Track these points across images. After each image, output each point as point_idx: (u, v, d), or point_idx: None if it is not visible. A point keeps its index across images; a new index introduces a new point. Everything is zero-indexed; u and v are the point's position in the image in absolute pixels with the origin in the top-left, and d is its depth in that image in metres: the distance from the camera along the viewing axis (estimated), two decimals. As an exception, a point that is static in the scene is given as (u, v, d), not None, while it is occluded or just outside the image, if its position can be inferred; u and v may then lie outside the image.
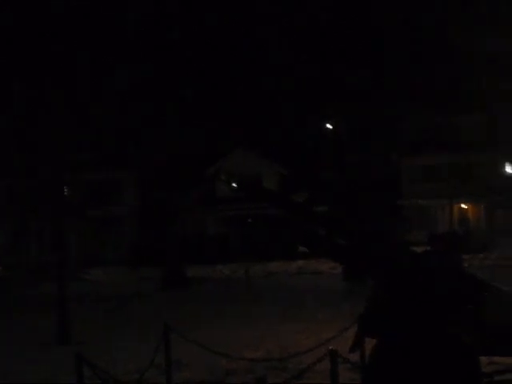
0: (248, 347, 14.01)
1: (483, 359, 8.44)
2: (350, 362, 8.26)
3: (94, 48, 23.70)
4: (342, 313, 17.60)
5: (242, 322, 18.19)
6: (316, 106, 47.49)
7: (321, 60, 43.42)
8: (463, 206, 53.94)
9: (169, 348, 11.03)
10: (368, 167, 49.52)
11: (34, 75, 22.04)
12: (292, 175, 52.15)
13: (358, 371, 8.61)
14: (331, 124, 50.36)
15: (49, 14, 20.23)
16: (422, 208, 52.44)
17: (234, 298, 24.95)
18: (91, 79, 23.28)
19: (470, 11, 37.01)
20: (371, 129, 49.14)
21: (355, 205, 43.61)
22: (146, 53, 29.86)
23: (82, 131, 29.92)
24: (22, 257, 49.55)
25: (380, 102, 46.70)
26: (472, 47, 37.36)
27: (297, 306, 21.40)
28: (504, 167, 51.72)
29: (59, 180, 20.38)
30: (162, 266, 32.59)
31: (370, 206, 43.95)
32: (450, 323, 7.92)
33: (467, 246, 36.03)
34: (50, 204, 20.53)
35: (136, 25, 28.39)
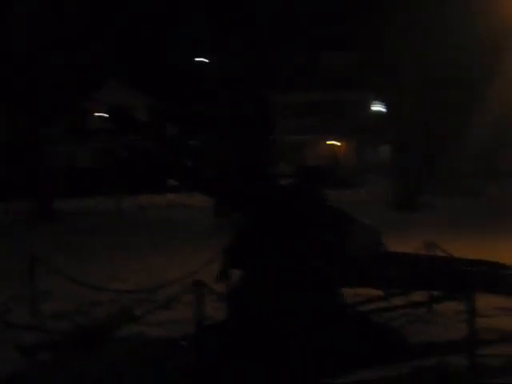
0: (116, 279, 14.02)
1: (347, 291, 8.73)
2: (216, 293, 8.38)
3: None
4: (211, 246, 17.75)
5: (111, 255, 18.13)
6: (189, 39, 47.08)
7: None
8: (333, 142, 54.92)
9: (33, 279, 10.92)
10: (240, 102, 49.67)
11: None
12: (164, 108, 51.84)
13: (224, 302, 8.76)
14: (205, 57, 50.11)
15: None
16: (293, 143, 53.13)
17: (105, 231, 24.81)
18: None
19: None
20: (243, 64, 49.18)
21: (226, 139, 43.76)
22: None
23: None
24: None
25: (251, 39, 46.70)
26: None
27: (167, 238, 21.51)
28: (372, 105, 52.86)
29: None
30: (31, 199, 31.92)
31: (242, 140, 44.22)
32: (312, 255, 8.12)
33: (333, 180, 36.86)
34: None
35: None
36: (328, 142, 54.60)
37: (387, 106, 42.43)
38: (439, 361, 8.02)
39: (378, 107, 52.23)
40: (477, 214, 26.95)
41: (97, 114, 45.14)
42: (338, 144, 55.00)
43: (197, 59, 50.12)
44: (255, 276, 8.22)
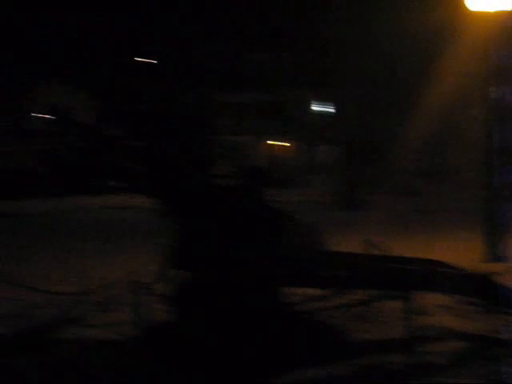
0: (54, 281, 13.85)
1: (287, 290, 8.75)
2: (155, 294, 8.34)
3: None
4: (151, 247, 17.67)
5: (49, 257, 17.89)
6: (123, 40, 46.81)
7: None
8: (273, 142, 55.08)
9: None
10: (178, 102, 49.51)
11: None
12: (107, 108, 51.40)
13: (168, 303, 8.72)
14: (144, 57, 49.88)
15: None
16: (231, 144, 53.13)
17: (42, 234, 24.47)
18: None
19: None
20: (180, 63, 49.07)
21: (165, 139, 43.57)
22: None
23: None
24: None
25: (188, 38, 46.60)
26: None
27: (104, 240, 21.29)
28: (311, 105, 53.13)
29: None
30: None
31: (180, 140, 44.07)
32: (251, 254, 8.13)
33: (274, 180, 36.94)
34: None
35: None
36: (268, 143, 54.76)
37: (327, 105, 42.77)
38: (378, 359, 8.08)
39: (318, 107, 52.53)
40: (416, 212, 27.24)
41: (35, 115, 44.59)
42: (279, 144, 55.19)
43: (138, 59, 49.85)
44: (196, 277, 8.21)
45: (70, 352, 8.94)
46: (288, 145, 55.14)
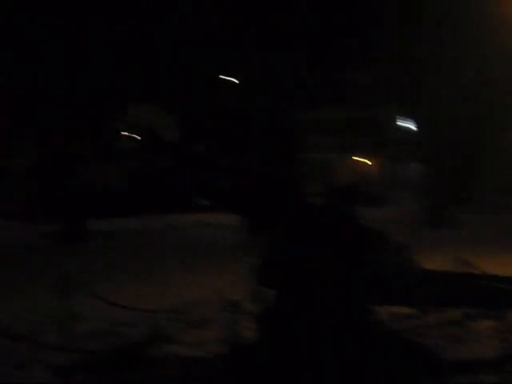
0: (148, 299, 14.00)
1: (379, 309, 8.69)
2: (248, 313, 8.38)
3: None
4: (242, 264, 17.75)
5: (142, 275, 18.15)
6: (213, 55, 47.18)
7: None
8: (361, 159, 54.78)
9: (67, 300, 10.97)
10: (267, 119, 49.71)
11: None
12: (192, 126, 51.95)
13: (256, 322, 8.75)
14: (229, 75, 50.25)
15: None
16: (321, 161, 53.02)
17: (135, 251, 24.85)
18: None
19: None
20: (270, 81, 49.24)
21: (254, 157, 43.81)
22: None
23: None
24: None
25: (277, 56, 46.77)
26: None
27: (197, 257, 21.48)
28: (398, 120, 52.74)
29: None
30: (61, 219, 32.04)
31: (269, 158, 44.23)
32: (345, 274, 8.11)
33: (363, 198, 36.70)
34: None
35: None
36: (355, 160, 54.46)
37: (414, 121, 42.35)
38: (471, 379, 7.96)
39: (404, 123, 52.07)
40: (509, 230, 26.71)
41: (125, 134, 45.31)
42: (366, 161, 54.85)
43: (223, 77, 50.26)
44: (287, 295, 8.21)
45: (160, 369, 9.04)
46: (375, 161, 54.78)
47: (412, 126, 48.76)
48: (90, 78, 32.95)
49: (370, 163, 54.80)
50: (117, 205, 45.19)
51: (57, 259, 23.08)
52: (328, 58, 48.79)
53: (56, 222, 32.24)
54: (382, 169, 55.00)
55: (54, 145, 38.40)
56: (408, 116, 50.12)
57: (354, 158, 53.83)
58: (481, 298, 8.72)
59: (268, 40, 45.83)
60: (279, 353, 8.01)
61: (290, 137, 51.75)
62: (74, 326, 11.08)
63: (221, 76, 50.02)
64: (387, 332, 8.80)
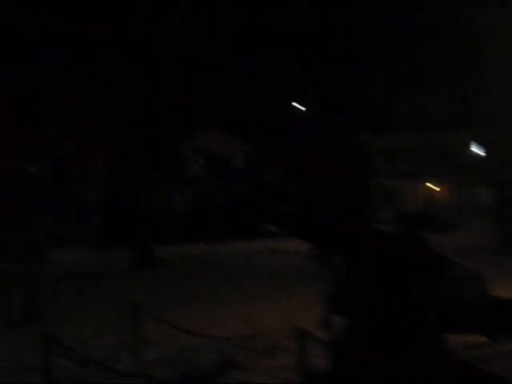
0: (215, 325, 14.04)
1: (451, 337, 8.56)
2: (318, 340, 8.31)
3: None
4: (310, 292, 17.69)
5: (209, 301, 18.21)
6: (287, 86, 47.43)
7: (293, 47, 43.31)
8: (430, 185, 54.31)
9: (137, 326, 11.03)
10: (336, 146, 49.67)
11: None
12: (260, 153, 52.19)
13: (326, 350, 8.67)
14: (299, 103, 50.41)
15: None
16: (389, 188, 52.73)
17: (202, 277, 24.95)
18: None
19: None
20: (339, 107, 49.21)
21: (324, 184, 43.77)
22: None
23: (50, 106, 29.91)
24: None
25: (348, 82, 46.74)
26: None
27: (264, 284, 21.47)
28: (471, 147, 52.17)
29: (29, 155, 20.25)
30: (130, 245, 32.39)
31: (339, 185, 44.14)
32: (416, 301, 8.01)
33: (433, 225, 36.33)
34: (18, 179, 20.32)
35: None
36: (426, 186, 54.01)
37: (486, 147, 41.83)
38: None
39: (476, 149, 51.52)
40: None
41: (194, 161, 45.66)
42: (435, 187, 54.36)
43: (292, 104, 50.44)
44: (359, 323, 8.13)
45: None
46: (444, 187, 54.26)
47: (482, 152, 48.19)
48: (156, 106, 33.43)
49: (440, 189, 54.34)
50: (183, 231, 45.60)
51: (126, 285, 23.35)
52: (399, 83, 48.58)
53: (126, 248, 32.66)
54: (451, 195, 54.51)
55: (121, 173, 39.05)
56: (478, 142, 49.62)
57: (423, 184, 53.47)
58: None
59: (340, 71, 45.89)
60: (351, 382, 7.93)
61: (358, 163, 51.68)
62: (143, 352, 11.14)
63: (293, 103, 50.23)
64: (460, 361, 8.65)
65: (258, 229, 41.42)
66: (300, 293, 17.88)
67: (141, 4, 30.29)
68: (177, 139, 47.93)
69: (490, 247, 30.11)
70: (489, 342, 9.05)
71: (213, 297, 19.15)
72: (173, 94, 34.03)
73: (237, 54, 40.62)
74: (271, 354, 10.46)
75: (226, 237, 39.90)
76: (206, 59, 34.98)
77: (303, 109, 50.18)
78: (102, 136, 39.78)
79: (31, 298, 16.60)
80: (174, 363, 10.90)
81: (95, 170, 52.67)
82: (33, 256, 17.40)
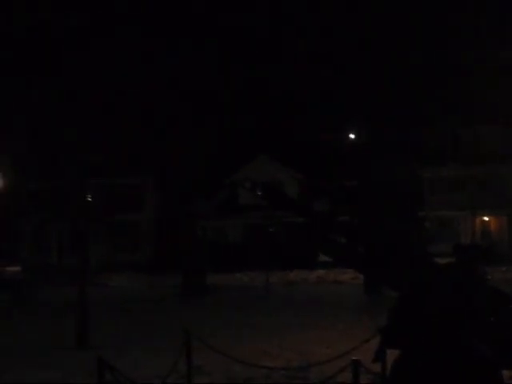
0: (267, 355, 13.97)
1: (506, 373, 8.40)
2: (371, 372, 8.21)
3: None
4: (363, 323, 17.56)
5: (261, 330, 18.15)
6: (339, 115, 47.37)
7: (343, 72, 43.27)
8: (485, 217, 53.64)
9: (189, 354, 11.01)
10: (391, 178, 49.35)
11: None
12: (313, 183, 52.16)
13: (380, 382, 8.57)
14: (354, 133, 50.29)
15: None
16: (443, 220, 52.24)
17: (254, 306, 24.90)
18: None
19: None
20: (394, 139, 48.97)
21: (377, 215, 43.50)
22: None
23: (103, 133, 30.33)
24: (41, 258, 49.67)
25: (403, 114, 46.52)
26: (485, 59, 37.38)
27: (317, 315, 21.33)
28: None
29: (82, 181, 20.47)
30: (181, 272, 32.49)
31: (393, 216, 43.80)
32: (473, 337, 7.87)
33: (490, 258, 35.80)
34: (72, 205, 20.56)
35: None
36: (481, 217, 53.37)
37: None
38: None
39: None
40: None
41: (248, 189, 45.76)
42: (489, 219, 53.69)
43: (347, 134, 50.38)
44: (413, 357, 8.02)
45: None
46: (498, 219, 53.56)
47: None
48: (214, 137, 33.81)
49: (496, 220, 53.63)
50: (236, 259, 45.62)
51: (178, 311, 23.41)
52: (451, 112, 48.26)
53: (179, 274, 32.77)
54: (504, 226, 53.71)
55: (174, 200, 39.35)
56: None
57: (479, 215, 52.81)
58: None
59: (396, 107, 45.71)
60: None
61: (413, 195, 51.30)
62: (196, 380, 11.11)
63: (350, 135, 50.17)
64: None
65: (311, 258, 41.25)
66: (352, 324, 17.74)
67: None
68: (231, 168, 48.23)
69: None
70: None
71: (264, 325, 19.08)
72: (231, 125, 34.40)
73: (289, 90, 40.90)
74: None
75: (279, 266, 39.81)
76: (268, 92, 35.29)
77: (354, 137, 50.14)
78: (160, 163, 40.34)
79: (83, 323, 16.68)
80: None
81: (149, 197, 53.22)
82: (85, 281, 17.51)
